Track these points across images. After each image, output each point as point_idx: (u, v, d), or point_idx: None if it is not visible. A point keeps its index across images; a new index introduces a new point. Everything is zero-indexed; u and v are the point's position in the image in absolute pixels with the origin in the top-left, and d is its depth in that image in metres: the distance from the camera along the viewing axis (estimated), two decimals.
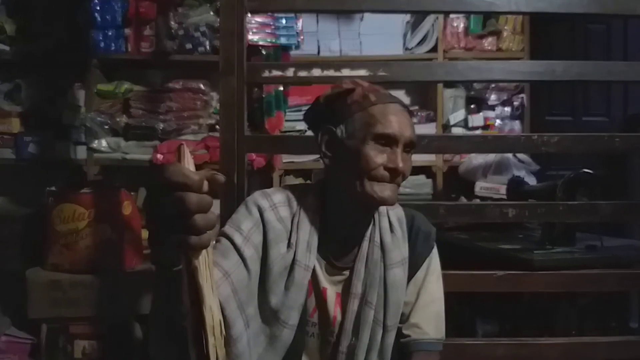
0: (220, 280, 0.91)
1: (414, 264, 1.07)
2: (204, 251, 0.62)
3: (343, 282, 1.04)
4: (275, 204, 1.03)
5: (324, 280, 1.03)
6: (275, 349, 0.99)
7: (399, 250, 1.06)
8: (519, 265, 1.67)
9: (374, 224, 1.06)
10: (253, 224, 0.99)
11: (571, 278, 1.53)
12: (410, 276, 1.07)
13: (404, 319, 1.07)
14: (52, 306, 1.89)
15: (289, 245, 1.01)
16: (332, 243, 1.04)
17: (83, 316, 1.89)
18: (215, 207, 1.64)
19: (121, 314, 1.89)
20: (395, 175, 0.97)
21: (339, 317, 1.03)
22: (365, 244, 1.04)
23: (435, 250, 1.11)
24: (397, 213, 1.10)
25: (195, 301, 0.63)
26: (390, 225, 1.07)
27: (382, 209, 1.07)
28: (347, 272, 1.04)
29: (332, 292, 1.04)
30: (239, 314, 0.93)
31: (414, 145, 1.01)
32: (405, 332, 1.06)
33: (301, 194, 1.06)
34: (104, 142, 2.24)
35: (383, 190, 0.97)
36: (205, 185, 0.60)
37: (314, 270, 1.02)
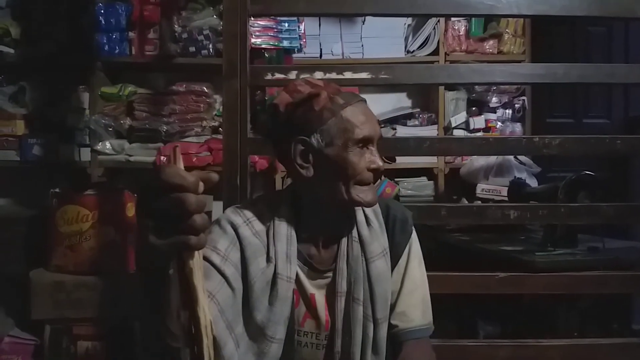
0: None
1: (395, 253, 1.07)
2: (196, 252, 0.62)
3: (328, 284, 1.03)
4: (248, 218, 1.02)
5: (310, 287, 1.02)
6: None
7: (378, 242, 1.05)
8: (521, 267, 1.67)
9: (351, 220, 1.06)
10: (229, 242, 0.98)
11: (573, 280, 1.53)
12: (393, 265, 1.06)
13: (391, 308, 1.06)
14: (56, 307, 1.90)
15: (268, 259, 0.99)
16: (310, 248, 1.03)
17: (86, 317, 1.90)
18: (218, 208, 1.66)
19: (124, 315, 1.90)
20: (378, 175, 1.00)
21: (330, 320, 1.02)
22: (343, 242, 1.04)
23: (414, 236, 1.10)
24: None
25: (189, 301, 0.63)
26: (366, 219, 1.07)
27: None
28: (330, 274, 1.04)
29: (320, 297, 1.03)
30: (229, 334, 0.92)
31: (382, 138, 1.04)
32: (392, 322, 1.05)
33: (272, 204, 1.05)
34: (107, 145, 2.26)
35: (367, 194, 0.99)
36: (201, 186, 0.60)
37: (299, 279, 1.01)
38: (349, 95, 1.01)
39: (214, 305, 0.90)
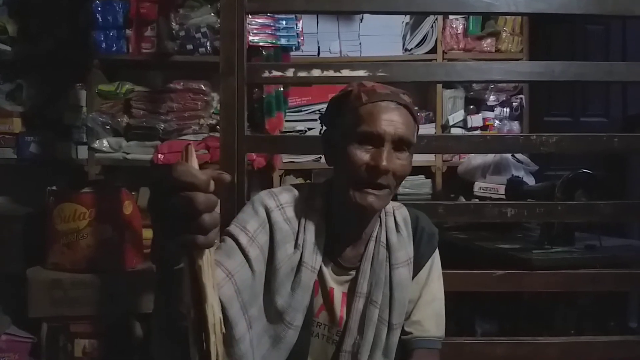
0: (224, 281, 0.90)
1: (418, 264, 1.08)
2: (207, 250, 0.62)
3: (349, 282, 1.04)
4: (282, 204, 1.02)
5: (331, 280, 1.03)
6: (279, 350, 0.98)
7: (405, 250, 1.06)
8: (518, 264, 1.68)
9: (380, 224, 1.06)
10: (259, 224, 0.98)
11: (570, 278, 1.54)
12: (414, 275, 1.07)
13: (406, 316, 1.07)
14: (53, 305, 1.90)
15: (296, 246, 0.99)
16: (338, 244, 1.03)
17: (83, 315, 1.90)
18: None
19: (121, 313, 1.90)
20: (377, 174, 0.93)
21: (345, 317, 1.03)
22: (371, 244, 1.04)
23: (437, 251, 1.12)
24: (402, 213, 1.10)
25: (198, 299, 0.63)
26: (397, 225, 1.07)
27: (389, 208, 1.07)
28: (353, 272, 1.04)
29: (338, 292, 1.04)
30: (242, 314, 0.92)
31: (407, 142, 0.96)
32: (407, 329, 1.07)
33: (308, 194, 1.05)
34: (105, 142, 2.25)
35: (364, 197, 0.94)
36: (212, 185, 0.59)
37: (321, 271, 1.02)
38: (378, 94, 0.97)
39: (232, 284, 0.91)
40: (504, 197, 2.23)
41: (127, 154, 2.25)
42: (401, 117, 0.96)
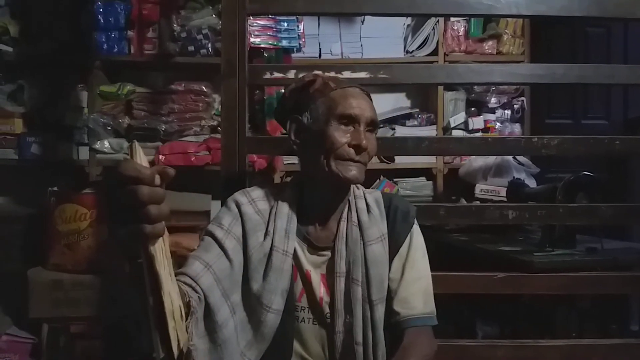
0: (203, 271, 0.97)
1: (396, 241, 1.11)
2: (160, 240, 0.66)
3: (326, 263, 1.08)
4: (253, 198, 1.11)
5: (307, 263, 1.08)
6: (262, 335, 1.03)
7: (377, 227, 1.10)
8: (519, 267, 1.67)
9: (349, 206, 1.11)
10: (232, 218, 1.07)
11: (571, 280, 1.53)
12: (393, 253, 1.10)
13: (392, 294, 1.09)
14: (54, 306, 1.90)
15: (266, 233, 1.07)
16: (310, 226, 1.10)
17: (84, 316, 1.90)
18: (216, 207, 1.65)
19: (122, 314, 1.90)
20: (359, 151, 1.03)
21: (325, 298, 1.06)
22: (342, 224, 1.09)
23: (416, 228, 1.14)
24: (374, 196, 1.16)
25: (154, 287, 0.67)
26: (367, 206, 1.12)
27: (359, 192, 1.14)
28: (327, 252, 1.09)
29: (316, 274, 1.08)
30: (224, 300, 0.99)
31: (375, 124, 1.08)
32: (395, 308, 1.08)
33: (279, 189, 1.14)
34: (106, 143, 2.25)
35: (348, 169, 1.03)
36: (157, 179, 0.64)
37: (296, 255, 1.07)
38: (344, 82, 1.10)
39: (210, 274, 0.98)
40: (505, 199, 2.23)
41: (127, 153, 2.25)
42: (368, 102, 1.09)
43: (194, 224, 2.05)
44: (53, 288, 1.91)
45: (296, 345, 1.06)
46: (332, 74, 1.47)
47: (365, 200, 1.13)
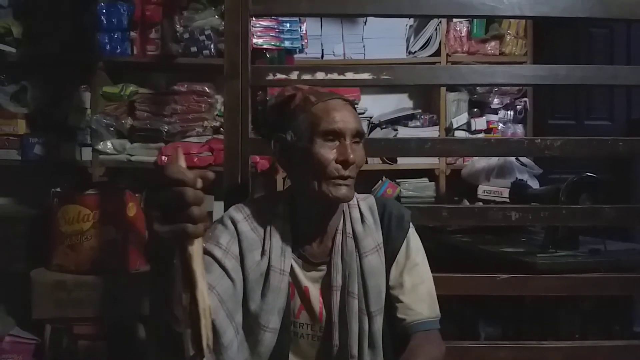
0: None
1: (392, 249, 1.09)
2: (196, 241, 0.69)
3: (323, 278, 1.07)
4: (248, 214, 1.09)
5: (304, 279, 1.07)
6: (259, 354, 1.02)
7: (372, 237, 1.09)
8: (522, 268, 1.67)
9: (344, 217, 1.10)
10: (230, 237, 1.05)
11: (574, 282, 1.53)
12: (390, 261, 1.09)
13: (395, 302, 1.07)
14: (57, 307, 1.90)
15: (263, 252, 1.05)
16: (305, 242, 1.08)
17: (87, 317, 1.90)
18: (219, 208, 1.65)
19: (125, 315, 1.90)
20: (347, 166, 1.01)
21: (324, 312, 1.06)
22: (338, 237, 1.08)
23: (412, 232, 1.13)
24: (368, 202, 1.14)
25: (189, 285, 0.69)
26: (361, 215, 1.11)
27: (353, 200, 1.12)
28: (324, 267, 1.07)
29: (314, 290, 1.07)
30: (229, 322, 0.98)
31: (361, 135, 1.05)
32: (400, 315, 1.07)
33: (272, 203, 1.11)
34: (109, 144, 2.26)
35: (338, 189, 1.01)
36: (199, 183, 0.67)
37: (294, 272, 1.06)
38: (324, 94, 1.06)
39: (214, 296, 0.97)
40: (507, 200, 2.22)
41: (131, 155, 2.26)
42: (351, 112, 1.05)
43: None
44: (56, 289, 1.91)
45: None
46: (335, 75, 1.48)
47: (360, 209, 1.11)
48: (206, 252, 1.02)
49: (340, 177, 1.01)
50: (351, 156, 1.00)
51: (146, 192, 0.71)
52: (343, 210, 1.10)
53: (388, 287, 1.08)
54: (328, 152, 1.01)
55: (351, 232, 1.08)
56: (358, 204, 1.12)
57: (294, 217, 1.09)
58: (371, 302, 1.05)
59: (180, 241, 0.68)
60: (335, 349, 1.03)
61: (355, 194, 1.14)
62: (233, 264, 1.02)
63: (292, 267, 1.06)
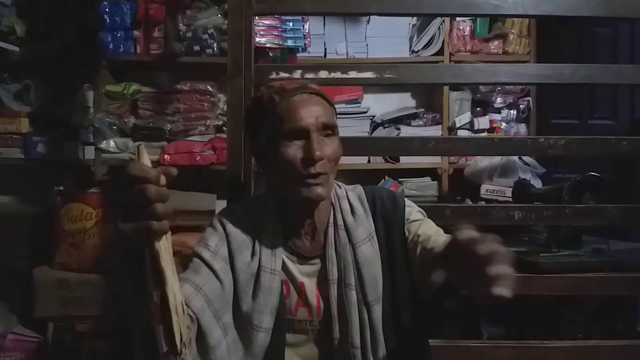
0: (193, 294, 0.96)
1: (398, 228, 1.08)
2: (163, 238, 0.70)
3: (318, 272, 1.07)
4: (237, 216, 1.08)
5: (300, 275, 1.06)
6: (253, 354, 1.02)
7: (363, 227, 1.07)
8: (525, 267, 1.67)
9: (333, 209, 1.09)
10: (219, 239, 1.05)
11: (577, 281, 1.53)
12: (399, 240, 1.07)
13: (428, 246, 1.03)
14: (59, 305, 1.91)
15: (253, 253, 1.05)
16: (297, 238, 1.07)
17: (90, 315, 1.91)
18: (220, 206, 1.65)
19: (126, 313, 1.90)
20: (312, 164, 0.98)
21: (322, 306, 1.05)
22: (330, 230, 1.07)
23: (409, 204, 1.12)
24: (357, 192, 1.13)
25: (158, 283, 0.70)
26: (351, 206, 1.10)
27: (341, 191, 1.12)
28: (317, 261, 1.07)
29: (310, 284, 1.06)
30: (215, 322, 0.98)
31: (330, 127, 1.01)
32: (429, 247, 1.03)
33: (261, 203, 1.11)
34: (112, 143, 2.26)
35: (310, 190, 0.99)
36: (163, 179, 0.68)
37: (288, 269, 1.06)
38: (289, 91, 1.03)
39: (201, 296, 0.96)
40: (510, 199, 2.22)
41: (134, 154, 2.25)
42: (317, 105, 1.02)
43: (199, 223, 2.04)
44: (59, 287, 1.91)
45: (295, 358, 1.05)
46: (338, 73, 1.48)
47: (349, 200, 1.10)
48: (194, 254, 1.03)
49: (309, 175, 0.98)
50: (317, 153, 0.97)
51: (112, 191, 0.72)
52: (332, 203, 1.09)
53: (412, 252, 1.05)
54: (294, 151, 0.99)
55: (342, 224, 1.07)
56: (347, 195, 1.11)
57: (285, 214, 1.08)
58: (368, 292, 1.04)
59: (146, 238, 0.68)
60: (336, 342, 1.03)
61: (344, 185, 1.14)
62: (222, 265, 1.02)
63: (286, 264, 1.05)
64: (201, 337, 0.95)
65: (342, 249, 1.05)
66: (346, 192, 1.12)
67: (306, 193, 0.99)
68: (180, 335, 0.72)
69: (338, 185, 1.13)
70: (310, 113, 1.00)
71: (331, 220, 1.08)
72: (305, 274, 1.07)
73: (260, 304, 1.02)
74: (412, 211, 1.12)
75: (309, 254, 1.07)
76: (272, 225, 1.07)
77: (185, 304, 0.92)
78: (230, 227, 1.06)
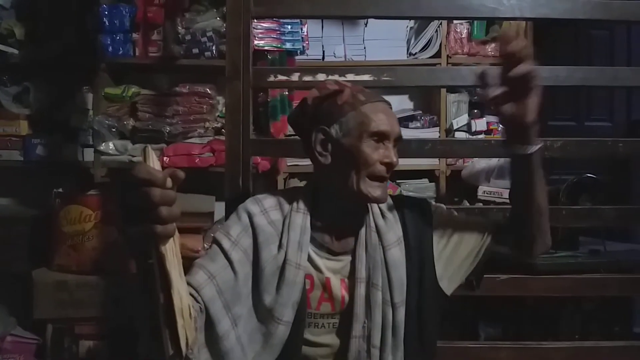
0: (206, 282, 0.97)
1: (427, 235, 1.12)
2: (170, 240, 0.69)
3: (345, 268, 1.08)
4: (266, 208, 1.09)
5: (326, 271, 1.07)
6: (272, 346, 1.03)
7: (393, 231, 1.10)
8: (522, 269, 1.67)
9: (370, 211, 1.12)
10: (242, 229, 1.05)
11: (574, 282, 1.53)
12: (431, 247, 1.11)
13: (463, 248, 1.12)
14: (58, 307, 1.91)
15: (280, 246, 1.05)
16: (325, 236, 1.08)
17: (88, 317, 1.91)
18: (220, 209, 1.65)
19: (126, 315, 1.91)
20: (390, 169, 1.04)
21: (347, 299, 1.06)
22: (362, 230, 1.09)
23: (435, 206, 1.18)
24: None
25: (165, 285, 0.69)
26: (381, 211, 1.12)
27: None
28: (345, 257, 1.08)
29: (336, 280, 1.07)
30: (225, 313, 0.98)
31: (401, 139, 1.08)
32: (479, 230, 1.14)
33: (292, 197, 1.11)
34: (111, 145, 2.26)
35: (376, 190, 1.04)
36: (169, 182, 0.67)
37: (315, 263, 1.07)
38: (372, 95, 1.08)
39: (213, 286, 0.97)
40: (508, 201, 2.23)
41: (133, 156, 2.26)
42: (395, 117, 1.08)
43: (198, 225, 2.06)
44: (57, 289, 1.91)
45: (312, 352, 1.06)
46: (336, 76, 1.49)
47: (378, 205, 1.13)
48: (214, 241, 1.04)
49: (382, 177, 1.04)
50: (395, 159, 1.04)
51: (118, 193, 0.71)
52: (367, 205, 1.12)
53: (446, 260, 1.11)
54: (373, 152, 1.03)
55: (374, 226, 1.10)
56: None
57: (316, 210, 1.09)
58: (395, 294, 1.06)
59: (152, 242, 0.68)
60: (355, 340, 1.04)
61: None
62: (240, 257, 1.02)
63: (312, 258, 1.07)
64: (210, 326, 0.96)
65: (373, 250, 1.07)
66: None
67: (374, 192, 1.03)
68: (186, 338, 0.72)
69: None
70: (393, 121, 1.06)
71: (367, 221, 1.10)
72: (331, 270, 1.08)
73: (283, 297, 1.02)
74: (438, 215, 1.16)
75: (338, 250, 1.09)
76: (301, 220, 1.07)
77: (196, 292, 0.94)
78: (257, 219, 1.07)
